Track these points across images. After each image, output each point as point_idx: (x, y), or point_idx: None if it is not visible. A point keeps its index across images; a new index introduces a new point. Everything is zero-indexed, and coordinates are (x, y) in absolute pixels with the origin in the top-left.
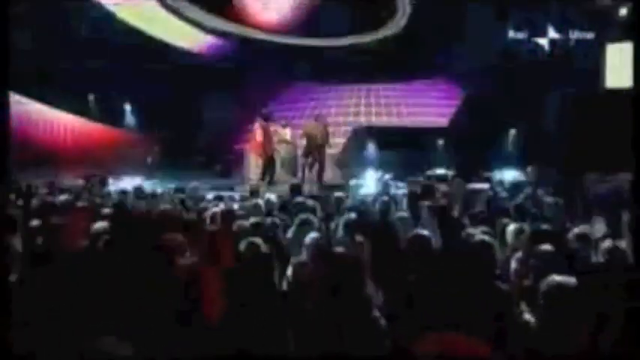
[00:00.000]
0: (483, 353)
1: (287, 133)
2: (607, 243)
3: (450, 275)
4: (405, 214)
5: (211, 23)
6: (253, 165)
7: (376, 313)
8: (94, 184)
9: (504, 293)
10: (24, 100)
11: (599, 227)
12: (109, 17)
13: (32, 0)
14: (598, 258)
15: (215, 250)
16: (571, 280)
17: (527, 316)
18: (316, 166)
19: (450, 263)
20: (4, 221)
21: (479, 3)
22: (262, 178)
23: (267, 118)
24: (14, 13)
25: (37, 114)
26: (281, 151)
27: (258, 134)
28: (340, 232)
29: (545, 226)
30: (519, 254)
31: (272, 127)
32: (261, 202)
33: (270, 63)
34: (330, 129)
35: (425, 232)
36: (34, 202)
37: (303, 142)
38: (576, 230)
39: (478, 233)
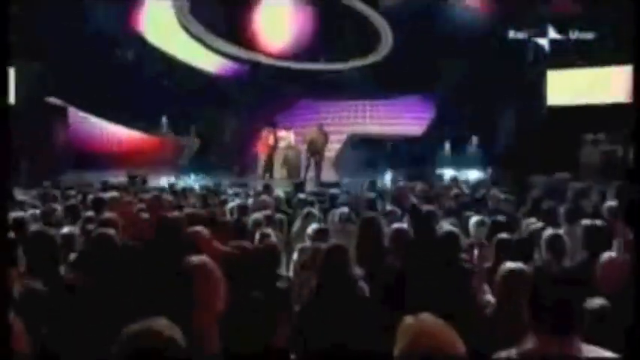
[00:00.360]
0: (455, 340)
1: (291, 138)
2: (549, 231)
3: (425, 262)
4: (392, 208)
5: (228, 50)
6: (264, 165)
7: (361, 284)
8: (137, 182)
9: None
10: (85, 115)
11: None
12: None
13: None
14: (541, 245)
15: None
16: (522, 266)
17: (489, 297)
18: (316, 167)
19: (425, 252)
20: (5, 221)
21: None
22: (271, 175)
23: (275, 126)
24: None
25: (93, 126)
26: (282, 153)
27: (269, 138)
28: (335, 224)
29: (501, 218)
30: (481, 242)
31: (279, 133)
32: (270, 198)
33: (278, 83)
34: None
35: (404, 226)
36: (89, 197)
37: (305, 146)
38: (527, 222)
39: (447, 225)
